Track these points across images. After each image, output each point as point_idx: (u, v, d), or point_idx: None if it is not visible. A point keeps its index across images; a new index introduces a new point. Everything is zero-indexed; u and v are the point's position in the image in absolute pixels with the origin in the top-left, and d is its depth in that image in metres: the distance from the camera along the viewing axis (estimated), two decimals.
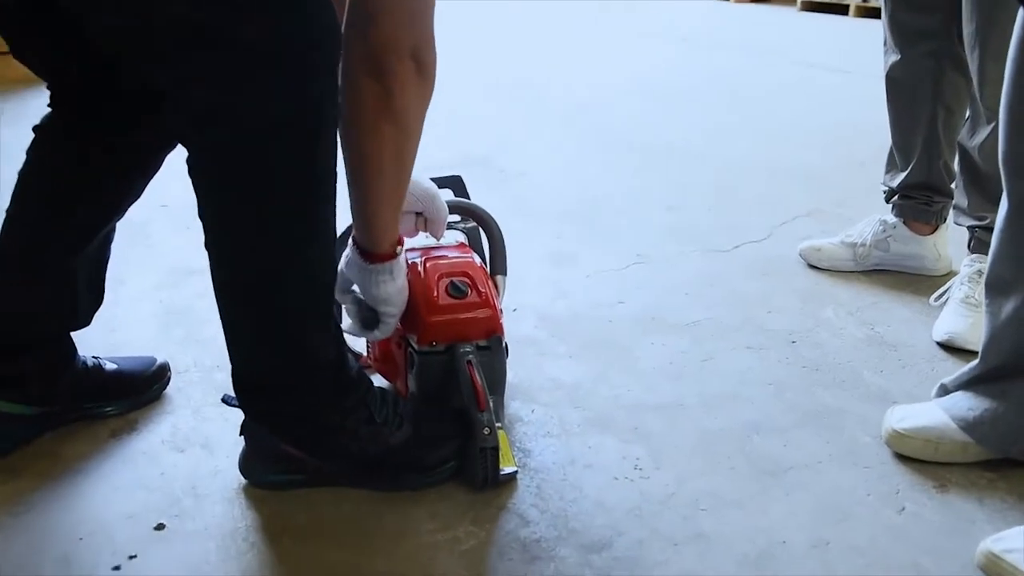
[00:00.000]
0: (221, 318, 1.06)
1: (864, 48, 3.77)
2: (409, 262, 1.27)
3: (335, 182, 1.00)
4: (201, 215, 1.00)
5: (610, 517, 1.12)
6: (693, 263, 1.90)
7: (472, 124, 3.01)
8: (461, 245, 1.34)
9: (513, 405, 1.36)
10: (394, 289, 1.15)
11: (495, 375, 1.22)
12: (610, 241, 2.01)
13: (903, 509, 1.15)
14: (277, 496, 1.14)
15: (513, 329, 1.56)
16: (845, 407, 1.38)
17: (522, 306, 1.66)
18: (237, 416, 1.29)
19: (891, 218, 1.84)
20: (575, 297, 1.73)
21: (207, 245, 1.02)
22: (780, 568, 1.04)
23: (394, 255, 1.13)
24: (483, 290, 1.22)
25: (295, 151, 0.95)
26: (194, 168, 0.97)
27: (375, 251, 1.12)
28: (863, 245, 1.84)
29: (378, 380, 1.35)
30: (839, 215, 2.17)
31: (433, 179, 1.34)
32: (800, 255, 1.90)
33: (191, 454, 1.24)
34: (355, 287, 1.18)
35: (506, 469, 1.16)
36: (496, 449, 1.13)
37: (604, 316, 1.66)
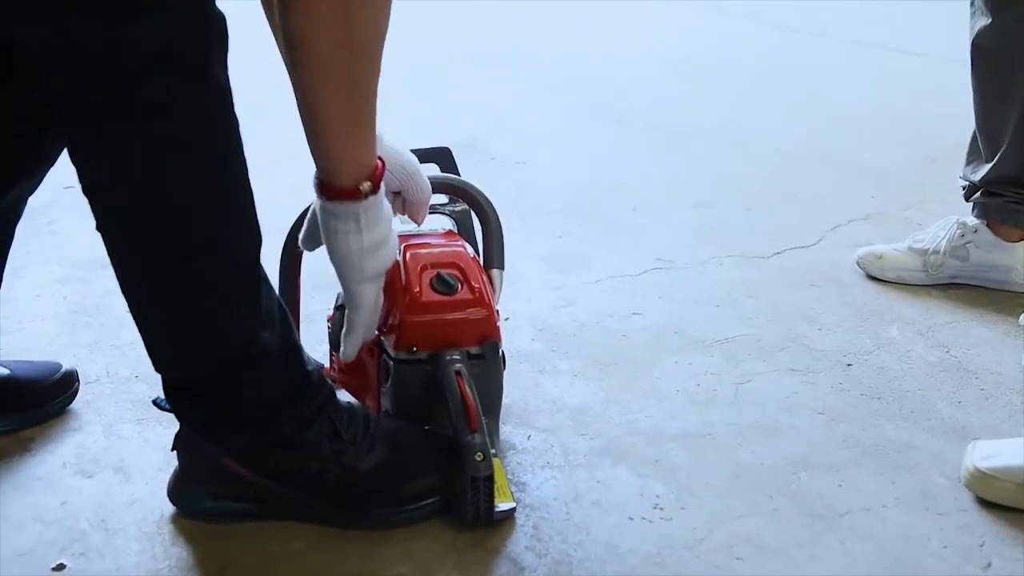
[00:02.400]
0: (128, 304, 1.07)
1: (938, 27, 3.82)
2: None
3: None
4: (86, 190, 1.01)
5: (624, 565, 1.12)
6: (725, 270, 1.91)
7: (454, 101, 3.02)
8: (449, 232, 1.34)
9: (504, 430, 1.35)
10: (359, 248, 1.07)
11: (490, 390, 1.22)
12: (625, 242, 2.02)
13: (988, 566, 1.15)
14: (212, 530, 1.14)
15: (506, 342, 1.54)
16: (914, 442, 1.38)
17: (516, 314, 1.65)
18: (159, 435, 1.29)
19: (972, 220, 1.85)
20: (581, 306, 1.73)
21: (99, 225, 1.04)
22: None
23: (358, 192, 1.05)
24: (476, 286, 1.21)
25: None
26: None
27: (333, 182, 1.05)
28: (936, 253, 1.85)
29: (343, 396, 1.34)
30: (904, 219, 2.18)
31: (414, 151, 1.34)
32: (858, 264, 1.91)
33: (101, 479, 1.22)
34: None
35: (502, 505, 1.15)
36: (491, 479, 1.12)
37: (616, 329, 1.66)
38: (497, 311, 1.25)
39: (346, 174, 1.05)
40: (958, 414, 1.45)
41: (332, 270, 1.12)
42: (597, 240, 2.02)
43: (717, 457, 1.33)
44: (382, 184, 1.08)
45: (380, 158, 1.09)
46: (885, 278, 1.87)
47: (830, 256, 1.99)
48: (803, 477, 1.29)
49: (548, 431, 1.36)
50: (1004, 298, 1.82)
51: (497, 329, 1.22)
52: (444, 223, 1.38)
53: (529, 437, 1.35)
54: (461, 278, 1.21)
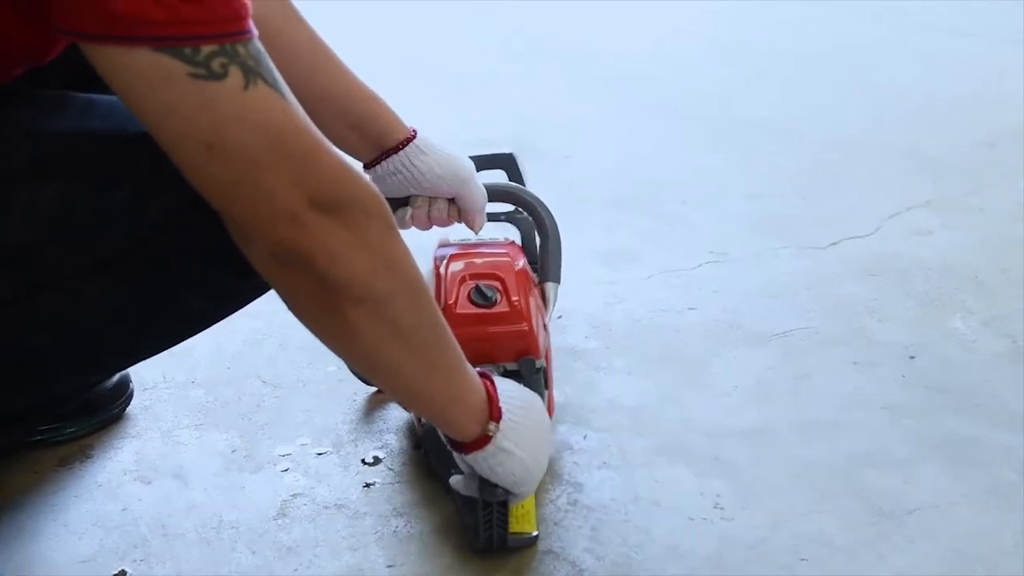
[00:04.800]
0: None
1: (985, 6, 3.74)
2: (435, 260, 1.26)
3: None
4: None
5: (685, 565, 1.10)
6: (781, 262, 1.87)
7: (497, 97, 2.98)
8: (511, 243, 1.33)
9: (561, 430, 1.34)
10: (524, 468, 1.02)
11: None
12: (677, 235, 1.99)
13: None
14: (272, 537, 1.14)
15: (560, 340, 1.54)
16: (983, 437, 1.34)
17: (570, 312, 1.63)
18: (216, 441, 1.30)
19: None
20: (635, 302, 1.71)
21: None
22: None
23: (488, 437, 0.99)
24: (516, 299, 1.18)
25: None
26: None
27: (461, 441, 1.01)
28: None
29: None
30: (965, 204, 2.13)
31: (477, 157, 1.32)
32: None
33: (160, 485, 1.23)
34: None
35: (525, 533, 1.11)
36: (505, 504, 1.06)
37: (671, 325, 1.64)
38: (545, 325, 1.23)
39: (466, 425, 0.99)
40: None
41: None
42: (648, 234, 1.99)
43: (778, 455, 1.30)
44: (503, 407, 1.01)
45: (485, 376, 1.02)
46: None
47: (889, 245, 1.94)
48: (867, 474, 1.26)
49: (605, 431, 1.35)
50: None
51: (537, 345, 1.18)
52: (510, 232, 1.36)
53: (585, 437, 1.33)
54: (501, 290, 1.18)
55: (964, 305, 1.70)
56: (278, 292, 0.88)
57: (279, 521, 1.17)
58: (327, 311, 0.87)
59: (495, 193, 1.30)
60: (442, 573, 1.09)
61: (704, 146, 2.54)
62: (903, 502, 1.21)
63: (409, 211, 1.24)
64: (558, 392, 1.41)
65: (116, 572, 1.09)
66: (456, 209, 1.25)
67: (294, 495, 1.21)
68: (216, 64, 0.75)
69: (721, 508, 1.20)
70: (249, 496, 1.21)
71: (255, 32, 0.78)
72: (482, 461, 1.00)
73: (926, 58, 3.42)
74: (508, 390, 1.03)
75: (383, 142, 1.18)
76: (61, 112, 0.90)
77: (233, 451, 1.29)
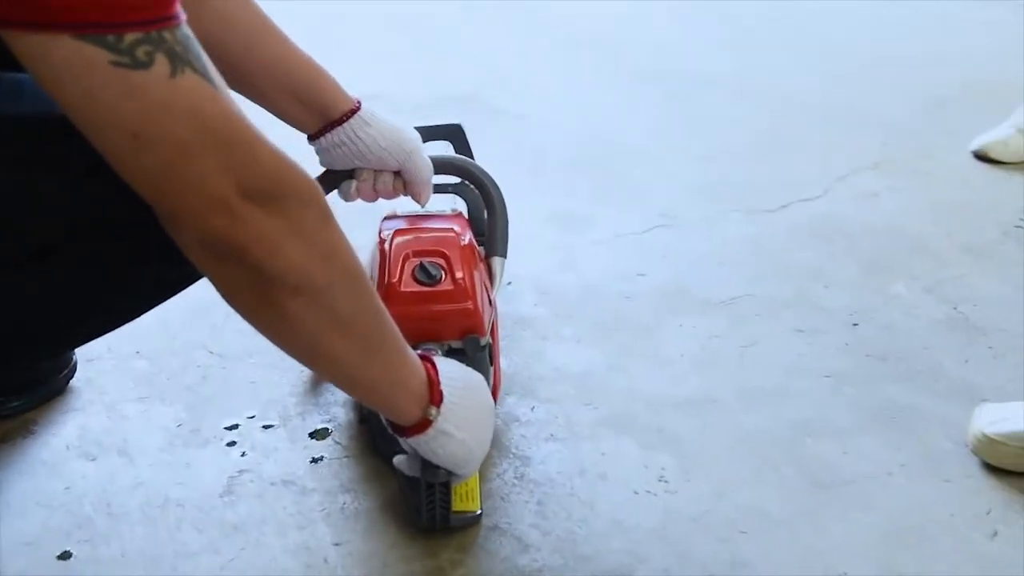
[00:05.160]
0: None
1: None
2: (381, 235, 1.25)
3: None
4: None
5: (629, 540, 1.12)
6: (731, 226, 1.88)
7: (451, 51, 2.95)
8: (458, 215, 1.32)
9: (508, 401, 1.35)
10: (466, 450, 1.02)
11: None
12: (629, 198, 1.99)
13: (995, 534, 1.15)
14: (217, 515, 1.14)
15: (508, 308, 1.54)
16: (920, 405, 1.37)
17: (519, 278, 1.63)
18: (161, 414, 1.30)
19: None
20: (585, 267, 1.71)
21: None
22: None
23: (429, 421, 0.99)
24: (461, 276, 1.17)
25: None
26: None
27: (402, 424, 1.01)
28: None
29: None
30: (913, 167, 2.15)
31: (423, 128, 1.30)
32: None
33: (104, 462, 1.22)
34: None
35: (469, 512, 1.12)
36: (447, 485, 1.07)
37: (620, 291, 1.64)
38: (492, 300, 1.23)
39: (406, 410, 0.99)
40: (965, 374, 1.44)
41: None
42: (601, 196, 1.99)
43: (722, 425, 1.32)
44: (444, 391, 1.00)
45: (425, 358, 1.02)
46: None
47: (837, 208, 1.96)
48: (808, 444, 1.29)
49: (552, 401, 1.35)
50: (1014, 249, 1.80)
51: (482, 323, 1.17)
52: (457, 203, 1.35)
53: (533, 408, 1.34)
54: (446, 268, 1.17)
55: (909, 270, 1.72)
56: (213, 283, 0.87)
57: (225, 499, 1.17)
58: (264, 303, 0.86)
59: (441, 165, 1.28)
60: (388, 551, 1.10)
61: (657, 106, 2.53)
62: (841, 472, 1.24)
63: (354, 184, 1.22)
64: (506, 361, 1.42)
65: (60, 553, 1.08)
66: (402, 182, 1.24)
67: (240, 471, 1.21)
68: (141, 52, 0.73)
69: (665, 481, 1.21)
70: (195, 472, 1.21)
71: (182, 17, 0.76)
72: (423, 444, 1.01)
73: (876, 18, 3.42)
74: (449, 372, 1.03)
75: (327, 113, 1.16)
76: (16, 101, 0.87)
77: (179, 425, 1.28)
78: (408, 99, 2.43)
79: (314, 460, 1.23)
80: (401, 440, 1.03)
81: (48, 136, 0.87)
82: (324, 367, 0.99)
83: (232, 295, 0.87)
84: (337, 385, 1.09)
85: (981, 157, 2.18)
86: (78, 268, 0.91)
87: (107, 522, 1.13)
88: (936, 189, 2.04)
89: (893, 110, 2.51)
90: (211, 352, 1.43)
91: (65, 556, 1.08)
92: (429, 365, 1.01)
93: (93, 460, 1.22)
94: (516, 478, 1.21)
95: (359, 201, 1.24)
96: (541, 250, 1.75)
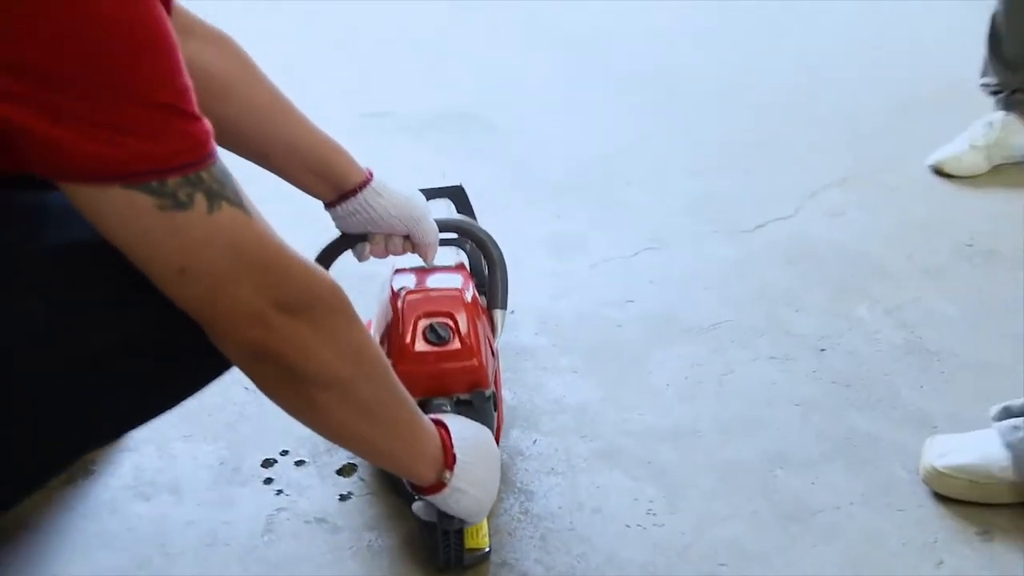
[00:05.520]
0: None
1: None
2: (392, 289, 1.28)
3: None
4: None
5: (622, 573, 1.17)
6: (714, 248, 1.90)
7: (447, 64, 2.88)
8: (460, 267, 1.35)
9: (512, 435, 1.39)
10: (478, 503, 1.07)
11: None
12: (620, 219, 2.00)
13: (941, 563, 1.20)
14: (262, 553, 1.18)
15: (510, 338, 1.58)
16: (879, 433, 1.41)
17: (520, 307, 1.66)
18: (205, 454, 1.34)
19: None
20: (579, 295, 1.74)
21: None
22: None
23: (443, 484, 1.04)
24: (467, 336, 1.20)
25: None
26: None
27: (423, 486, 1.06)
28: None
29: None
30: (876, 182, 2.16)
31: (427, 190, 1.33)
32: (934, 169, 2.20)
33: (158, 502, 1.27)
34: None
35: (479, 549, 1.17)
36: (460, 532, 1.13)
37: (612, 318, 1.68)
38: (495, 351, 1.27)
39: (424, 475, 1.04)
40: (920, 401, 1.48)
41: None
42: (594, 218, 2.00)
43: (703, 456, 1.37)
44: (457, 453, 1.05)
45: (439, 423, 1.06)
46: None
47: (807, 227, 1.98)
48: (779, 475, 1.34)
49: (552, 434, 1.40)
50: (966, 270, 1.83)
51: (486, 377, 1.20)
52: (459, 255, 1.38)
53: (535, 441, 1.38)
54: (453, 328, 1.20)
55: (869, 293, 1.76)
56: (251, 379, 0.91)
57: (266, 537, 1.22)
58: (297, 396, 0.91)
59: (446, 227, 1.31)
60: None
61: (654, 116, 2.51)
62: (809, 504, 1.29)
63: (367, 246, 1.25)
64: (510, 393, 1.46)
65: None
66: (410, 243, 1.27)
67: (278, 509, 1.26)
68: (182, 194, 0.77)
69: (654, 515, 1.26)
70: (238, 511, 1.26)
71: (216, 154, 0.80)
72: (439, 501, 1.06)
73: (855, 19, 3.35)
74: (460, 432, 1.08)
75: (342, 185, 1.19)
76: (44, 226, 0.90)
77: (221, 463, 1.33)
78: (414, 117, 2.44)
79: (342, 497, 1.28)
80: (428, 508, 1.08)
81: (101, 260, 0.90)
82: (350, 446, 1.04)
83: (267, 389, 0.92)
84: (361, 457, 1.14)
85: (938, 172, 2.20)
86: (129, 374, 0.95)
87: (164, 562, 1.18)
88: (897, 207, 2.07)
89: (862, 114, 2.51)
90: (246, 388, 1.45)
91: None
92: (442, 430, 1.06)
93: (148, 500, 1.27)
94: (521, 513, 1.26)
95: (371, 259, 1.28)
96: (538, 277, 1.78)
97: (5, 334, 0.84)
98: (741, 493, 1.30)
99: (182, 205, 0.77)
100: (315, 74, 2.62)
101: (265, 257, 0.83)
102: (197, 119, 0.78)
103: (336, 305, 0.90)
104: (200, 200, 0.78)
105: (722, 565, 1.19)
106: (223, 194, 0.79)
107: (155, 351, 0.94)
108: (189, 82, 0.77)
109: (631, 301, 1.72)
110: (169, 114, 0.75)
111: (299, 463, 1.34)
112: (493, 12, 3.28)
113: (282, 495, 1.28)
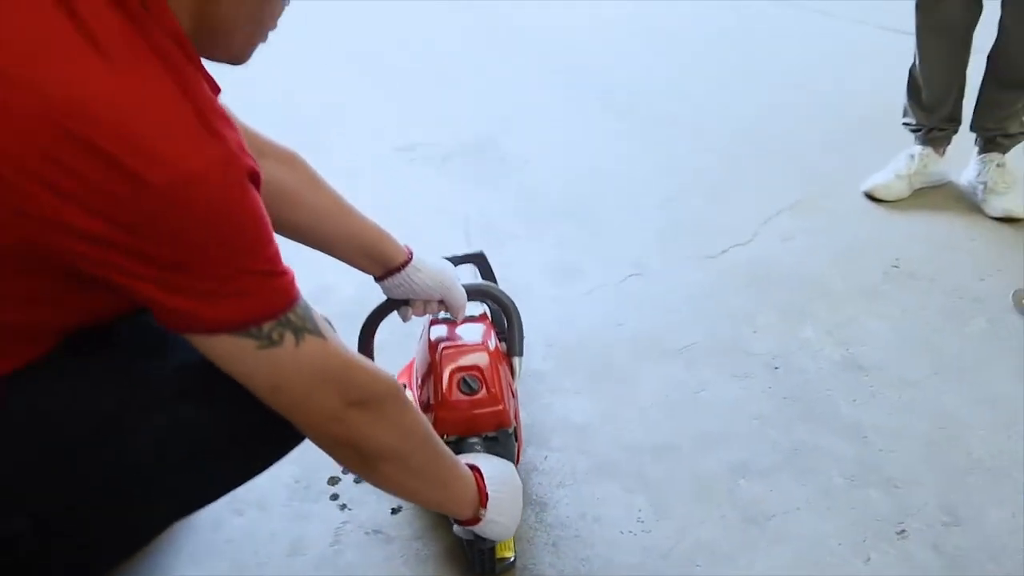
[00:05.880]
0: None
1: None
2: (430, 340, 1.35)
3: None
4: None
5: None
6: (686, 273, 1.93)
7: (464, 95, 2.86)
8: (483, 317, 1.41)
9: (528, 452, 1.45)
10: (503, 528, 1.15)
11: None
12: (608, 247, 2.03)
13: (868, 559, 1.27)
14: (331, 559, 1.26)
15: (525, 363, 1.63)
16: (820, 443, 1.47)
17: (531, 331, 1.66)
18: (283, 471, 1.39)
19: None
20: (579, 320, 1.78)
21: None
22: None
23: (478, 519, 1.13)
24: (493, 385, 1.26)
25: None
26: None
27: (462, 519, 1.14)
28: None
29: None
30: (820, 207, 2.20)
31: (452, 258, 1.39)
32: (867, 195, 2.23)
33: (249, 516, 1.33)
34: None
35: (506, 558, 1.24)
36: (493, 549, 1.21)
37: (605, 341, 1.72)
38: (515, 391, 1.33)
39: (464, 513, 1.13)
40: (854, 413, 1.54)
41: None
42: (587, 246, 2.03)
43: (682, 468, 1.43)
44: (489, 492, 1.13)
45: (474, 468, 1.14)
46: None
47: (762, 252, 2.02)
48: (742, 484, 1.40)
49: (560, 450, 1.46)
50: (893, 289, 1.89)
51: (508, 418, 1.26)
52: (482, 307, 1.44)
53: (546, 458, 1.45)
54: (481, 380, 1.26)
55: (814, 314, 1.81)
56: (329, 455, 0.99)
57: (335, 547, 1.29)
58: (365, 466, 1.00)
59: (471, 292, 1.37)
60: None
61: (637, 145, 2.53)
62: (766, 508, 1.35)
63: (410, 309, 1.32)
64: (525, 413, 1.53)
65: None
66: (443, 306, 1.34)
67: (344, 523, 1.33)
68: (275, 335, 0.85)
69: (642, 521, 1.33)
70: (312, 524, 1.32)
71: (299, 294, 0.87)
72: (476, 529, 1.15)
73: (814, 43, 3.31)
74: (490, 473, 1.16)
75: (389, 264, 1.26)
76: (166, 351, 0.96)
77: (296, 481, 1.40)
78: (437, 148, 2.47)
79: (393, 511, 1.35)
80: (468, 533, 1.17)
81: (210, 374, 0.95)
82: (403, 497, 1.14)
83: (342, 462, 1.02)
84: (414, 504, 1.24)
85: (870, 197, 2.25)
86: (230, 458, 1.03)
87: (256, 571, 1.26)
88: (837, 230, 2.11)
89: (811, 141, 2.53)
90: None
91: None
92: (477, 474, 1.15)
93: (241, 515, 1.34)
94: (537, 522, 1.33)
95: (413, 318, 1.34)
96: (544, 303, 1.82)
97: (148, 444, 0.92)
98: (712, 500, 1.37)
99: (275, 343, 0.85)
100: (353, 113, 2.65)
101: (339, 371, 0.91)
102: (284, 273, 0.85)
103: (393, 395, 0.98)
104: (289, 337, 0.86)
105: (697, 566, 1.26)
106: (305, 327, 0.87)
107: (252, 437, 1.01)
108: (276, 246, 0.84)
109: (620, 324, 1.78)
110: (263, 277, 0.83)
111: (358, 481, 1.40)
112: (504, 39, 3.26)
113: (346, 509, 1.35)
